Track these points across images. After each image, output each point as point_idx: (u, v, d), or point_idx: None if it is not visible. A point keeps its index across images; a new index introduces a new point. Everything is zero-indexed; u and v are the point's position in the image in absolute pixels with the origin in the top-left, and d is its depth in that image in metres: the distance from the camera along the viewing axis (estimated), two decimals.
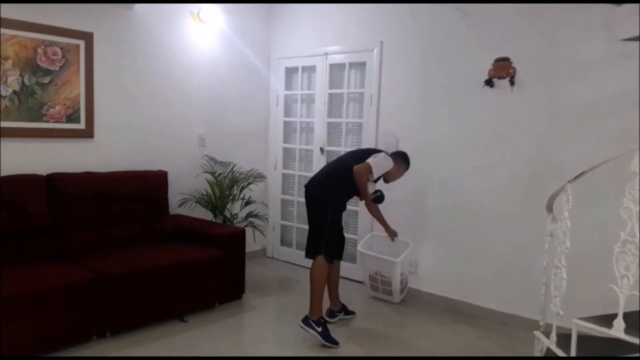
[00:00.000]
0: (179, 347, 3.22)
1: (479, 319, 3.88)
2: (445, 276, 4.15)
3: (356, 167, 3.42)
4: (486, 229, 3.89)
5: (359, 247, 4.37)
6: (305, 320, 3.39)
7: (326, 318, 3.67)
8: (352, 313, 3.89)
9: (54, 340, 2.99)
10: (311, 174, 5.02)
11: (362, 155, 3.59)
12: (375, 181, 3.67)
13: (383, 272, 4.17)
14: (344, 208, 3.66)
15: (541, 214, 2.76)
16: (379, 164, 3.50)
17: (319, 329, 3.34)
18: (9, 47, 3.48)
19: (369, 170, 3.45)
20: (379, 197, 3.72)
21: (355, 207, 4.75)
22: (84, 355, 3.05)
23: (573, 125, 3.47)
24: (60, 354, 3.02)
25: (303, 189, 5.12)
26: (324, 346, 3.31)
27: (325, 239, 3.45)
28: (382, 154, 3.58)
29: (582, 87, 3.42)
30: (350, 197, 3.68)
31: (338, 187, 3.53)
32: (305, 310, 3.46)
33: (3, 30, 3.44)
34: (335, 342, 3.35)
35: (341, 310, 3.84)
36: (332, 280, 3.72)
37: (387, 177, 3.71)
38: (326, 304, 3.68)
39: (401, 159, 3.72)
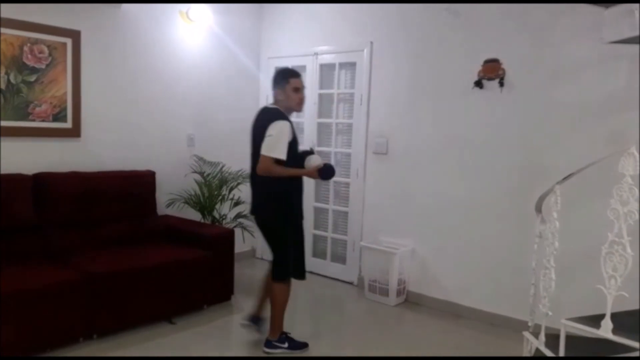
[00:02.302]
0: (167, 349, 3.19)
1: (468, 319, 3.89)
2: (434, 277, 4.16)
3: (258, 169, 2.94)
4: (476, 230, 3.90)
5: (363, 243, 4.42)
6: (268, 344, 3.22)
7: (249, 322, 3.41)
8: (260, 323, 3.43)
9: (40, 342, 2.95)
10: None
11: (256, 144, 3.02)
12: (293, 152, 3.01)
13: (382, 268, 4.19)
14: (299, 216, 3.19)
15: (530, 215, 2.76)
16: (276, 139, 2.90)
17: (285, 345, 3.24)
18: None
19: (271, 160, 2.90)
20: (326, 171, 3.06)
21: (345, 208, 4.75)
22: (72, 356, 3.01)
23: (562, 127, 3.49)
24: (51, 354, 2.98)
25: None
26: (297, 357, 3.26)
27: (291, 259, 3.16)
28: (272, 127, 2.91)
29: (571, 89, 3.44)
30: (297, 196, 3.16)
31: (276, 198, 3.07)
32: (295, 312, 3.44)
33: None
34: (304, 345, 3.29)
35: (257, 319, 3.43)
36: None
37: (292, 108, 3.11)
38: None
39: (281, 80, 3.08)
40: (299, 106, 3.12)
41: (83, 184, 3.71)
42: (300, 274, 3.27)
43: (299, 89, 3.07)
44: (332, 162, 4.81)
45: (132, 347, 3.18)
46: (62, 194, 3.60)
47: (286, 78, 3.06)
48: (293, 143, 3.00)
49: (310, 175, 3.06)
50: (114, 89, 4.14)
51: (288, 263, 3.14)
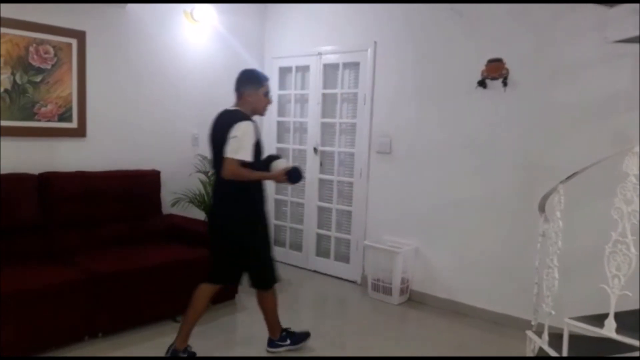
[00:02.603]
0: None
1: (472, 318, 3.89)
2: (438, 276, 4.16)
3: (224, 173, 2.77)
4: (479, 228, 3.91)
5: (366, 242, 4.44)
6: (271, 344, 3.23)
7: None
8: (193, 354, 3.08)
9: (46, 341, 2.97)
10: (305, 174, 5.07)
11: (218, 147, 2.86)
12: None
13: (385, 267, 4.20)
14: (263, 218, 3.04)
15: (534, 214, 2.77)
16: (240, 141, 2.75)
17: (287, 342, 3.24)
18: (1, 46, 3.45)
19: (237, 163, 2.75)
20: (294, 174, 2.96)
21: (349, 207, 4.76)
22: (76, 356, 3.03)
23: (565, 126, 3.49)
24: (52, 354, 3.00)
25: (297, 189, 5.20)
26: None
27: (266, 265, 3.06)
28: (236, 128, 2.76)
29: (575, 88, 3.44)
30: (261, 200, 3.01)
31: (241, 200, 2.91)
32: (296, 309, 3.45)
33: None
34: (306, 335, 3.32)
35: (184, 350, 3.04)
36: (200, 310, 3.04)
37: (259, 111, 3.02)
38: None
39: (256, 81, 3.00)
40: (265, 110, 3.06)
41: (88, 183, 3.73)
42: (265, 282, 3.08)
43: (268, 93, 3.03)
44: (336, 162, 4.83)
45: (137, 346, 3.20)
46: (67, 194, 3.62)
47: (261, 81, 3.01)
48: (257, 145, 2.87)
49: (277, 178, 2.97)
50: (119, 89, 4.16)
51: (272, 266, 3.09)
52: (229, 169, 2.76)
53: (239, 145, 2.75)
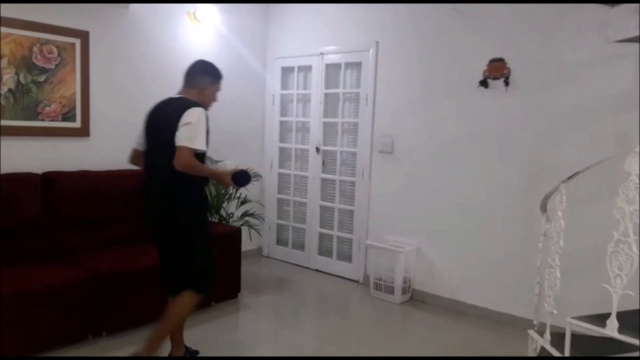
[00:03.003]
0: None
1: (473, 317, 3.90)
2: (440, 275, 4.17)
3: (177, 164, 2.48)
4: (481, 228, 3.91)
5: (369, 241, 4.45)
6: None
7: None
8: (196, 352, 3.10)
9: (50, 340, 2.99)
10: (307, 174, 5.09)
11: (163, 132, 2.57)
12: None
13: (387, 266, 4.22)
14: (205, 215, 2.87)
15: (536, 214, 2.78)
16: (195, 128, 2.51)
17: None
18: (5, 45, 3.46)
19: (192, 152, 2.50)
20: (240, 177, 2.74)
21: (351, 207, 4.77)
22: (80, 356, 3.05)
23: (567, 126, 3.50)
24: (56, 353, 3.01)
25: (299, 188, 5.22)
26: None
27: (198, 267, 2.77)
28: (190, 114, 2.54)
29: (576, 88, 3.45)
30: (201, 196, 2.79)
31: (184, 193, 2.66)
32: (298, 309, 3.45)
33: None
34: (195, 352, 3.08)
35: (185, 353, 3.03)
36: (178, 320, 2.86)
37: (205, 106, 2.72)
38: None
39: (215, 77, 2.86)
40: (210, 106, 2.82)
41: (91, 183, 3.74)
42: (204, 286, 2.81)
43: (218, 92, 2.89)
44: (338, 162, 4.84)
45: (140, 344, 3.20)
46: (71, 193, 3.63)
47: (219, 78, 2.87)
48: (206, 136, 2.64)
49: (224, 178, 2.72)
50: (122, 88, 4.17)
51: (210, 268, 2.84)
52: (184, 159, 2.47)
53: (194, 133, 2.49)
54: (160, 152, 2.61)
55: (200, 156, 2.62)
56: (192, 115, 2.53)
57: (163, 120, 2.63)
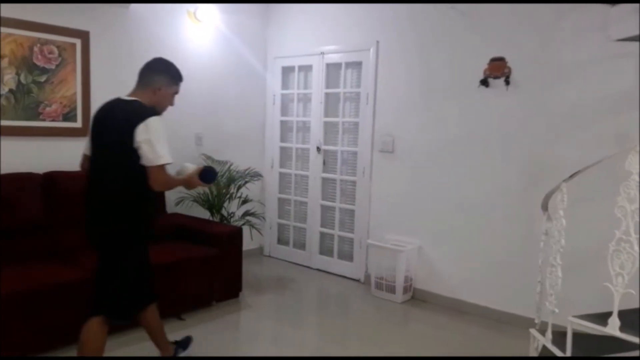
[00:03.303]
0: None
1: (475, 316, 3.90)
2: (441, 274, 4.17)
3: (156, 187, 2.38)
4: (482, 227, 3.91)
5: (370, 240, 4.45)
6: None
7: None
8: (188, 341, 3.07)
9: (50, 340, 2.99)
10: (307, 173, 5.10)
11: (111, 141, 2.40)
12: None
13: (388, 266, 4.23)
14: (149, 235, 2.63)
15: (536, 213, 2.78)
16: (158, 142, 2.35)
17: (182, 352, 2.97)
18: (5, 46, 3.47)
19: (164, 170, 2.39)
20: (207, 176, 2.63)
21: (352, 206, 4.77)
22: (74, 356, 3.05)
23: (568, 125, 3.50)
24: (56, 353, 3.02)
25: (300, 188, 5.22)
26: None
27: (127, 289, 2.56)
28: (148, 128, 2.33)
29: (577, 87, 3.45)
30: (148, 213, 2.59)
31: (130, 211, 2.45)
32: (299, 308, 3.45)
33: None
34: (188, 338, 3.05)
35: (176, 347, 3.00)
36: (156, 327, 2.82)
37: (159, 109, 2.54)
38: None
39: (175, 78, 2.63)
40: (164, 110, 2.62)
41: None
42: (138, 304, 2.66)
43: (175, 95, 2.67)
44: (339, 161, 4.84)
45: (141, 343, 3.20)
46: (72, 193, 3.62)
47: (177, 79, 2.64)
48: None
49: (193, 180, 2.57)
50: (123, 88, 4.08)
51: (146, 287, 2.66)
52: (161, 180, 2.37)
53: (159, 149, 2.34)
54: (105, 162, 2.44)
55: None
56: (149, 131, 2.31)
57: (111, 127, 2.41)
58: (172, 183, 2.51)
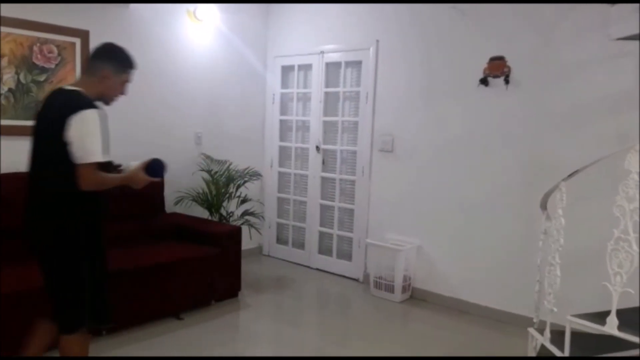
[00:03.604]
0: (174, 344, 3.23)
1: (474, 316, 3.90)
2: (440, 274, 4.17)
3: (84, 186, 2.15)
4: (481, 226, 3.91)
5: (368, 240, 4.45)
6: None
7: None
8: None
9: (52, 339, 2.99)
10: (307, 172, 5.10)
11: (44, 133, 2.22)
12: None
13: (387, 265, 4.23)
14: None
15: (536, 212, 2.78)
16: (91, 137, 2.14)
17: None
18: (5, 45, 3.47)
19: (95, 168, 2.16)
20: (155, 168, 2.45)
21: (351, 205, 4.77)
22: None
23: (568, 124, 3.50)
24: (55, 352, 3.01)
25: (299, 187, 5.22)
26: None
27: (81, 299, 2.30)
28: (80, 122, 2.11)
29: (577, 86, 3.45)
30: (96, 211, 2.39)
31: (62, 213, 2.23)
32: (298, 307, 3.45)
33: None
34: None
35: None
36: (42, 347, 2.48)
37: (107, 98, 2.36)
38: None
39: (123, 63, 2.38)
40: (112, 101, 2.41)
41: None
42: (100, 316, 2.45)
43: (127, 83, 2.43)
44: (338, 160, 4.84)
45: (140, 343, 3.22)
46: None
47: (128, 66, 2.39)
48: (105, 137, 2.25)
49: (138, 176, 2.39)
50: None
51: (83, 304, 2.31)
52: (89, 178, 2.14)
53: (89, 145, 2.13)
54: (38, 157, 2.25)
55: (105, 166, 2.26)
56: (80, 126, 2.10)
57: (46, 119, 2.22)
58: (106, 182, 2.26)
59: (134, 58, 2.42)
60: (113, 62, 2.33)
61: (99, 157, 2.15)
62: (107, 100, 2.37)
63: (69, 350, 2.33)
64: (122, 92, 2.42)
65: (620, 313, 2.07)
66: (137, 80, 4.19)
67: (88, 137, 2.13)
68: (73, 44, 3.81)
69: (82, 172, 2.14)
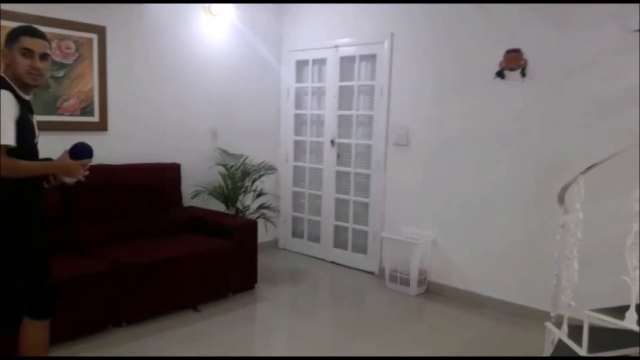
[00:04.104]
0: (192, 336, 3.27)
1: (490, 310, 3.89)
2: (455, 267, 4.16)
3: None
4: (497, 220, 3.89)
5: (384, 233, 4.46)
6: None
7: None
8: None
9: (71, 330, 3.05)
10: (321, 166, 5.10)
11: None
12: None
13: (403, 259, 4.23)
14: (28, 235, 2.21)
15: (553, 206, 2.75)
16: None
17: None
18: None
19: (2, 152, 2.01)
20: (80, 150, 2.34)
21: (366, 199, 4.77)
22: (90, 356, 3.12)
23: (585, 117, 3.45)
24: (77, 343, 3.08)
25: (314, 181, 5.23)
26: None
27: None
28: None
29: (594, 79, 3.40)
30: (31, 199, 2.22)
31: None
32: (314, 300, 3.46)
33: (16, 24, 3.46)
34: None
35: None
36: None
37: (20, 77, 2.14)
38: None
39: (9, 39, 2.16)
40: (29, 77, 2.14)
41: (110, 176, 3.80)
42: (38, 310, 2.29)
43: (31, 53, 2.13)
44: (353, 154, 4.84)
45: (158, 334, 3.27)
46: (90, 187, 3.67)
47: (16, 36, 2.14)
48: (23, 124, 2.11)
49: (60, 163, 2.29)
50: (139, 83, 4.22)
51: (10, 303, 2.17)
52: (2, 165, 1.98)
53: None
54: None
55: (26, 153, 2.13)
56: None
57: None
58: (18, 168, 2.07)
59: (28, 26, 2.22)
60: (8, 38, 2.15)
61: (7, 140, 2.00)
62: (25, 80, 2.15)
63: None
64: (31, 65, 2.13)
65: (639, 307, 2.06)
66: (153, 74, 4.28)
67: None
68: (90, 40, 3.86)
69: None
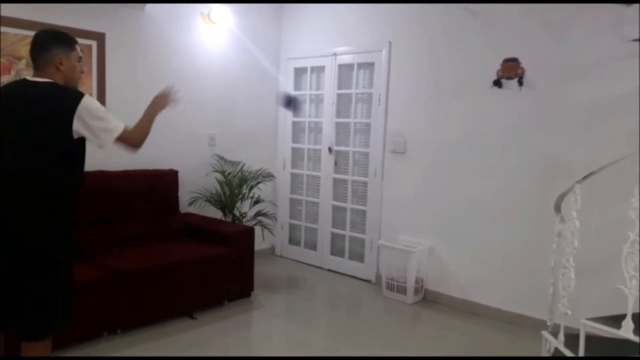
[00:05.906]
0: (187, 344, 3.26)
1: (486, 318, 3.88)
2: (452, 275, 4.16)
3: (138, 144, 2.35)
4: (494, 228, 3.90)
5: (381, 241, 4.45)
6: None
7: None
8: None
9: (67, 337, 3.02)
10: (319, 174, 5.11)
11: (38, 128, 2.10)
12: None
13: (399, 266, 4.22)
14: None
15: (550, 214, 2.76)
16: (105, 115, 2.22)
17: None
18: (22, 47, 3.52)
19: (126, 132, 2.28)
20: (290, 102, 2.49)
21: (363, 207, 4.77)
22: (89, 356, 3.10)
23: (582, 126, 3.47)
24: (71, 351, 3.06)
25: (312, 188, 5.23)
26: None
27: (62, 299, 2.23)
28: (90, 105, 2.17)
29: (591, 87, 3.42)
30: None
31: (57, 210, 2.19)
32: (310, 308, 3.46)
33: (15, 31, 3.48)
34: None
35: None
36: None
37: (74, 82, 2.29)
38: None
39: (66, 43, 2.26)
40: (79, 81, 2.35)
41: (107, 182, 3.79)
42: (67, 318, 2.30)
43: (80, 59, 2.31)
44: (350, 162, 4.85)
45: (154, 342, 3.25)
46: (87, 193, 3.67)
47: (72, 43, 2.27)
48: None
49: (158, 104, 2.55)
50: (138, 89, 4.21)
51: (58, 308, 2.21)
52: (134, 138, 2.30)
53: (111, 119, 2.24)
54: (16, 153, 2.11)
55: (78, 152, 2.25)
56: (91, 108, 2.15)
57: (28, 112, 2.11)
58: (144, 127, 2.38)
59: (69, 34, 2.32)
60: (59, 44, 2.23)
61: (121, 125, 2.25)
62: (76, 85, 2.32)
63: (43, 352, 2.25)
64: (81, 70, 2.35)
65: (636, 317, 2.06)
66: (152, 82, 4.28)
67: (103, 115, 2.20)
68: (89, 47, 3.87)
69: (126, 138, 2.27)
